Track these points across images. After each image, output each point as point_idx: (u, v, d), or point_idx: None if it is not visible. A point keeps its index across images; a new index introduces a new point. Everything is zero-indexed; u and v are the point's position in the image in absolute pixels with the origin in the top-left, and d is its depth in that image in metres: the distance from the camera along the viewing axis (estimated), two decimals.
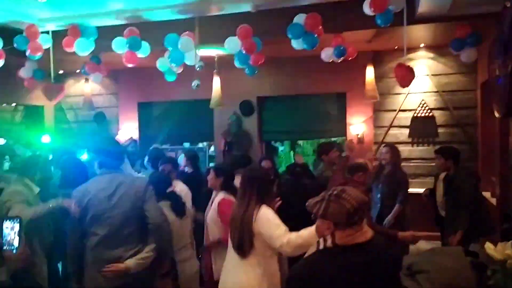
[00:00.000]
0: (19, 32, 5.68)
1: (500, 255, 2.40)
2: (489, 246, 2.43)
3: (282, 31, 5.18)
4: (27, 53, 5.63)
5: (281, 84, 8.02)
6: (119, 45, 5.61)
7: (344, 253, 1.88)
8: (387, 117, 7.65)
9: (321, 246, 1.93)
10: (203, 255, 4.03)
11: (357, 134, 7.65)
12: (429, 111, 7.42)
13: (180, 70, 6.01)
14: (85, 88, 8.93)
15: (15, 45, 5.55)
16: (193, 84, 5.93)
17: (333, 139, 8.91)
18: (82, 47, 5.59)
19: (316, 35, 5.10)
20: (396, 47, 7.15)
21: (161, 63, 5.96)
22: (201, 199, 4.27)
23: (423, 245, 6.07)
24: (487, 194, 5.74)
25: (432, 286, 2.52)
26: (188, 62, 5.64)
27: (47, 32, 5.87)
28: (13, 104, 9.50)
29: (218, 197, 3.96)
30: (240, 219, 2.98)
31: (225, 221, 3.79)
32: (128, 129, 8.87)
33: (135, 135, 8.76)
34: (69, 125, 9.46)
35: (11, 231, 2.00)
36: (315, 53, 5.67)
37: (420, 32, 6.29)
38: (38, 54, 5.62)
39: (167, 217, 3.45)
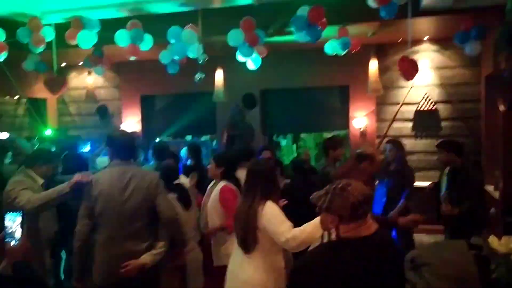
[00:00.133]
0: (22, 24, 5.67)
1: (504, 249, 2.41)
2: (493, 240, 2.43)
3: (285, 23, 5.16)
4: (30, 46, 5.62)
5: (284, 77, 7.99)
6: (121, 37, 5.59)
7: (349, 247, 1.88)
8: (390, 110, 7.63)
9: (326, 240, 1.93)
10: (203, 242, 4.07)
11: (360, 128, 7.64)
12: (432, 104, 7.40)
13: (183, 63, 6.00)
14: (88, 81, 8.94)
15: (18, 37, 5.54)
16: (196, 77, 5.92)
17: (336, 132, 8.89)
18: (84, 40, 5.57)
19: (319, 28, 5.08)
20: (400, 40, 7.12)
21: (164, 56, 5.94)
22: (204, 191, 4.28)
23: (426, 238, 6.11)
24: (490, 188, 5.73)
25: (435, 279, 2.53)
26: (191, 55, 5.62)
27: (50, 25, 5.85)
28: (16, 97, 9.52)
29: (220, 184, 3.99)
30: (245, 214, 2.96)
31: (226, 207, 3.82)
32: (130, 122, 8.88)
33: (138, 128, 8.77)
34: (71, 118, 9.46)
35: (13, 223, 2.01)
36: (318, 46, 5.64)
37: (424, 25, 6.26)
38: (41, 47, 5.61)
39: (178, 211, 3.48)
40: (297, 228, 2.84)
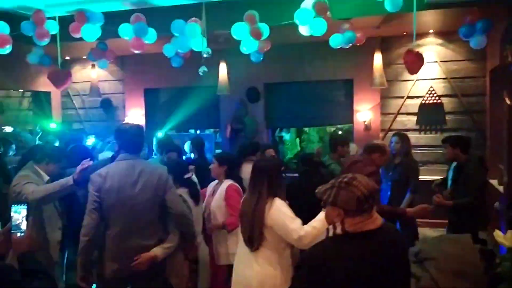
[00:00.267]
0: (26, 18, 5.66)
1: (509, 243, 2.41)
2: (498, 234, 2.43)
3: (289, 17, 5.13)
4: (34, 39, 5.62)
5: (288, 71, 7.98)
6: (125, 31, 5.58)
7: (354, 240, 1.88)
8: (395, 104, 7.60)
9: (331, 233, 1.93)
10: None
11: (364, 121, 7.62)
12: (437, 98, 7.37)
13: (186, 56, 5.99)
14: (92, 74, 8.94)
15: (22, 31, 5.54)
16: (200, 71, 5.90)
17: (339, 126, 8.88)
18: (88, 33, 5.55)
19: (324, 21, 5.04)
20: (404, 33, 7.08)
21: (168, 49, 5.93)
22: (207, 186, 4.28)
23: (430, 232, 6.11)
24: (494, 182, 5.72)
25: (440, 273, 2.54)
26: (194, 48, 5.61)
27: (54, 18, 5.84)
28: (20, 90, 9.55)
29: (225, 183, 3.98)
30: (252, 212, 2.93)
31: (230, 206, 3.83)
32: (134, 116, 8.89)
33: (141, 121, 8.78)
34: (76, 111, 9.48)
35: (19, 215, 2.03)
36: (322, 39, 5.62)
37: (429, 18, 6.22)
38: (45, 40, 5.61)
39: (188, 205, 3.49)
40: (308, 225, 2.82)
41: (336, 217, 1.93)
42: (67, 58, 8.79)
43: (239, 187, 4.00)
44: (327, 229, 1.98)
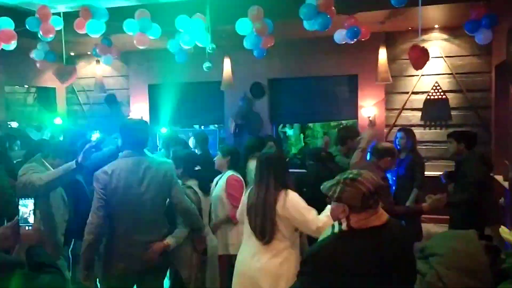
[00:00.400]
0: (31, 13, 5.68)
1: None
2: (503, 230, 2.42)
3: (294, 12, 5.12)
4: (39, 35, 5.64)
5: (292, 66, 7.97)
6: (130, 26, 5.59)
7: (359, 237, 1.89)
8: (399, 99, 7.58)
9: (336, 229, 1.93)
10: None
11: (369, 117, 7.60)
12: (442, 93, 7.33)
13: (191, 52, 5.99)
14: (96, 70, 8.96)
15: (27, 26, 5.56)
16: (204, 66, 5.91)
17: (344, 121, 8.87)
18: (93, 29, 5.57)
19: (328, 16, 5.03)
20: (409, 28, 7.04)
21: (172, 45, 5.93)
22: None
23: (434, 228, 6.11)
24: (499, 178, 5.70)
25: (445, 269, 2.53)
26: (199, 44, 5.61)
27: (59, 14, 5.86)
28: (25, 86, 9.58)
29: (226, 174, 4.01)
30: (262, 205, 2.92)
31: (231, 196, 3.85)
32: (138, 111, 8.91)
33: (146, 117, 8.80)
34: (80, 107, 9.52)
35: (26, 208, 2.05)
36: (326, 35, 5.60)
37: (434, 13, 6.18)
38: (50, 36, 5.62)
39: (192, 199, 3.50)
40: (323, 215, 2.82)
41: (341, 213, 1.93)
42: (72, 54, 8.82)
43: (241, 178, 4.01)
44: (333, 225, 1.98)
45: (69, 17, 5.81)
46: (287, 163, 3.18)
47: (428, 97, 7.40)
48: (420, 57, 5.00)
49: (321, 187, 2.03)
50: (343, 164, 4.84)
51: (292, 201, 2.90)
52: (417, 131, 7.10)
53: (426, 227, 5.41)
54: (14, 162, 5.22)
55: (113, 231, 3.09)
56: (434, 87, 7.36)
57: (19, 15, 5.79)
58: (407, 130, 5.37)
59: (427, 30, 7.12)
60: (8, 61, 7.49)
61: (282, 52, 7.57)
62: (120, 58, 8.57)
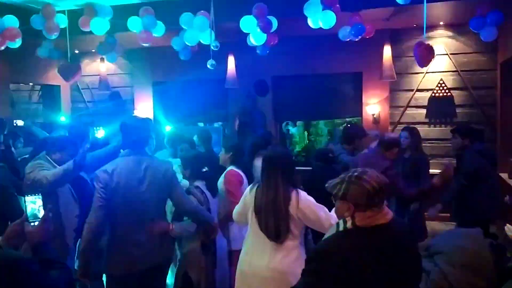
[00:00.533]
0: (36, 11, 5.69)
1: None
2: (510, 228, 2.42)
3: (298, 9, 5.11)
4: (44, 33, 5.65)
5: (297, 64, 7.95)
6: (134, 24, 5.59)
7: (364, 235, 1.88)
8: (404, 97, 7.56)
9: (341, 228, 1.93)
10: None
11: (373, 114, 7.58)
12: (447, 91, 7.31)
13: (195, 49, 5.99)
14: (101, 67, 8.97)
15: (31, 24, 5.57)
16: (208, 64, 5.91)
17: (348, 119, 8.85)
18: (97, 27, 5.58)
19: (333, 13, 5.02)
20: (414, 25, 7.01)
21: (176, 42, 5.93)
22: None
23: (438, 226, 6.09)
24: (504, 176, 5.67)
25: (450, 267, 2.53)
26: (203, 41, 5.61)
27: (63, 12, 5.87)
28: (30, 84, 9.62)
29: (227, 169, 4.02)
30: (273, 205, 2.88)
31: (230, 192, 3.85)
32: (143, 109, 8.92)
33: (150, 114, 8.81)
34: (85, 105, 9.54)
35: (34, 205, 2.04)
36: (331, 32, 5.59)
37: (439, 10, 6.16)
38: (55, 34, 5.64)
39: (200, 199, 3.51)
40: (333, 212, 2.82)
41: (346, 212, 1.93)
42: (76, 51, 8.83)
43: (240, 173, 4.01)
44: (337, 224, 1.98)
45: (73, 15, 5.82)
46: (293, 161, 3.15)
47: (433, 94, 7.37)
48: (425, 55, 4.97)
49: (326, 185, 2.03)
50: (349, 162, 4.82)
51: (305, 202, 2.89)
52: (422, 129, 7.08)
53: (431, 224, 5.39)
54: (19, 159, 5.25)
55: (114, 230, 3.08)
56: (439, 85, 7.33)
57: (24, 13, 5.81)
58: (411, 129, 5.34)
59: (432, 27, 7.09)
60: (13, 59, 7.51)
61: (287, 50, 7.55)
62: (125, 56, 8.59)
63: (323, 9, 4.98)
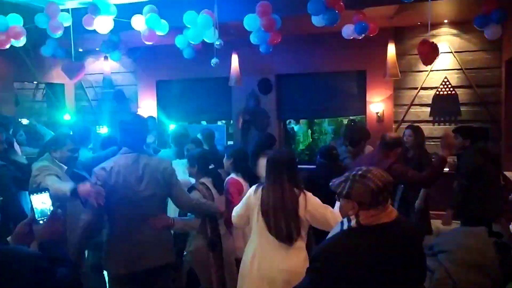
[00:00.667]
0: (40, 10, 5.70)
1: None
2: None
3: (302, 7, 5.10)
4: (48, 31, 5.66)
5: (300, 62, 7.93)
6: (138, 23, 5.60)
7: (369, 233, 1.88)
8: (408, 95, 7.53)
9: (345, 226, 1.93)
10: None
11: (377, 113, 7.56)
12: (451, 89, 7.27)
13: (198, 48, 5.99)
14: (104, 66, 8.99)
15: (36, 23, 5.59)
16: (212, 62, 5.91)
17: (351, 117, 8.82)
18: (101, 25, 5.58)
19: (337, 11, 5.00)
20: (418, 23, 6.99)
21: (180, 41, 5.93)
22: None
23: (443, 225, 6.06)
24: (510, 174, 5.65)
25: (454, 266, 2.52)
26: (207, 40, 5.61)
27: (67, 10, 5.88)
28: (34, 83, 9.63)
29: (229, 177, 4.01)
30: (281, 206, 2.88)
31: (229, 201, 3.83)
32: (146, 107, 8.93)
33: (154, 113, 8.82)
34: (89, 103, 9.56)
35: (42, 203, 2.04)
36: (334, 30, 5.58)
37: (444, 8, 6.13)
38: (59, 33, 5.65)
39: (205, 194, 3.51)
40: (337, 210, 2.82)
41: (350, 210, 1.92)
42: (80, 50, 8.85)
43: (240, 181, 3.98)
44: (342, 222, 1.97)
45: (77, 14, 5.82)
46: (296, 162, 3.16)
47: (437, 92, 7.34)
48: (430, 53, 4.95)
49: (330, 183, 2.02)
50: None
51: (312, 204, 2.91)
52: (426, 127, 7.05)
53: (435, 223, 5.37)
54: (25, 157, 5.25)
55: (112, 229, 3.06)
56: (443, 83, 7.30)
57: (28, 12, 5.82)
58: (415, 128, 5.31)
59: (436, 25, 7.06)
60: (18, 57, 7.53)
61: (290, 48, 7.53)
62: (128, 54, 8.60)
63: (326, 7, 4.97)
